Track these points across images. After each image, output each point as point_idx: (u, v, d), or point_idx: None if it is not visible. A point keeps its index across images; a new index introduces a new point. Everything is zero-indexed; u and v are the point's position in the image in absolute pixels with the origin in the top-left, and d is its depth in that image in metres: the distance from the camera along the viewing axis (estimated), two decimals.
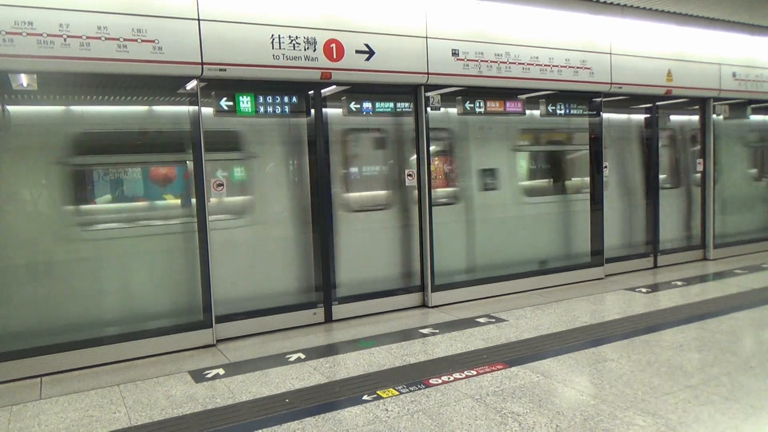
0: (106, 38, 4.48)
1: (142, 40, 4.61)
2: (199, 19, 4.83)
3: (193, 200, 5.05)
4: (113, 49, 4.51)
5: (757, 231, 9.40)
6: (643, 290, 6.71)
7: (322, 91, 5.62)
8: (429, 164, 6.15)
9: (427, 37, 5.90)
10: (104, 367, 4.61)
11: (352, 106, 5.89)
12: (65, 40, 4.35)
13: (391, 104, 6.09)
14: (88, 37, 4.42)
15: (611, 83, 7.22)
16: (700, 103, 8.52)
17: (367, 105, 5.97)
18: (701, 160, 8.58)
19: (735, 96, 8.62)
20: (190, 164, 5.09)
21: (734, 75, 8.49)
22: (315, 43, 5.33)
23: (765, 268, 7.78)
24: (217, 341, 5.14)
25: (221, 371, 4.39)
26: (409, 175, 6.16)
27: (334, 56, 5.44)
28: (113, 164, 5.04)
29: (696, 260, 8.52)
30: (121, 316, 4.94)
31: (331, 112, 5.79)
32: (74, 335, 4.67)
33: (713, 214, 8.58)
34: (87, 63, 4.44)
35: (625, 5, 7.07)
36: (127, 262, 5.00)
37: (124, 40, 4.55)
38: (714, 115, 8.55)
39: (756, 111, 9.18)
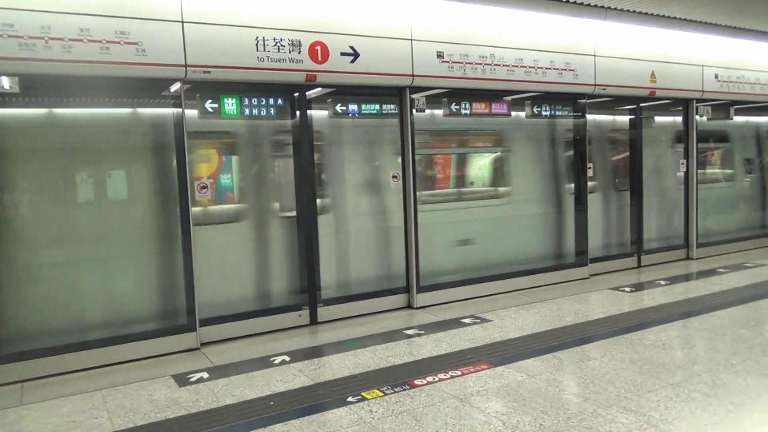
0: (88, 40, 4.46)
1: (125, 42, 4.59)
2: (182, 21, 4.81)
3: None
4: (96, 51, 4.48)
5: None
6: (627, 289, 6.77)
7: (307, 93, 5.63)
8: (414, 166, 6.16)
9: (412, 39, 5.92)
10: (86, 372, 4.57)
11: (338, 108, 5.90)
12: (47, 42, 4.31)
13: (377, 106, 6.10)
14: (70, 39, 4.39)
15: (595, 85, 7.28)
16: (683, 104, 8.61)
17: (352, 107, 5.97)
18: (684, 161, 8.67)
19: (717, 97, 8.72)
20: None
21: (716, 76, 8.59)
22: (300, 45, 5.34)
23: (747, 266, 7.88)
24: (201, 344, 5.11)
25: (205, 375, 4.37)
26: (395, 176, 6.17)
27: (319, 58, 5.44)
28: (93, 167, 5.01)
29: (679, 259, 8.61)
30: (104, 321, 4.90)
31: (317, 114, 5.79)
32: (56, 340, 4.63)
33: (696, 215, 8.66)
34: (69, 65, 4.41)
35: (608, 8, 7.13)
36: (110, 264, 4.96)
37: (107, 42, 4.52)
38: (697, 116, 8.64)
39: (738, 112, 9.29)
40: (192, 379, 4.28)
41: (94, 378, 4.43)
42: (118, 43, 4.57)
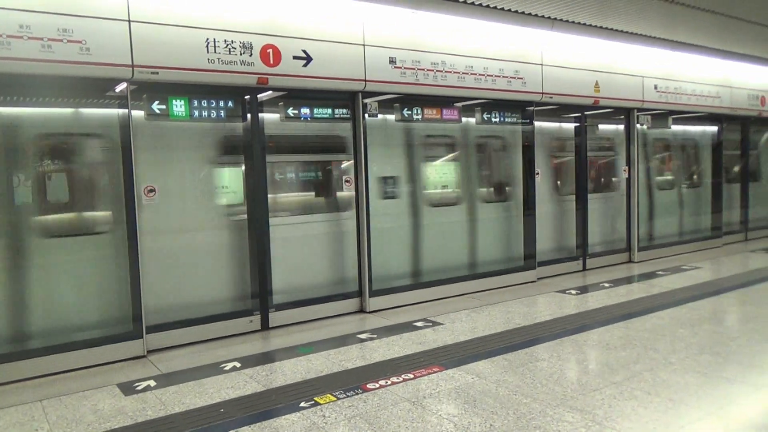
0: (28, 37, 4.29)
1: (68, 41, 4.44)
2: (129, 21, 4.70)
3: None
4: (36, 49, 4.32)
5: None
6: (573, 292, 6.97)
7: (259, 96, 5.57)
8: (367, 170, 6.18)
9: (364, 45, 5.95)
10: (26, 382, 4.38)
11: (290, 111, 5.86)
12: None
13: (329, 110, 6.09)
14: (8, 36, 4.22)
15: (543, 93, 7.49)
16: (625, 113, 8.95)
17: (304, 111, 5.95)
18: (626, 168, 9.00)
19: (656, 107, 9.11)
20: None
21: (656, 87, 8.97)
22: (251, 47, 5.28)
23: (684, 269, 8.24)
24: (149, 352, 4.97)
25: (152, 383, 4.25)
26: (347, 181, 6.17)
27: (271, 61, 5.40)
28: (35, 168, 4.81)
29: (622, 262, 8.92)
30: (45, 329, 4.71)
31: (268, 117, 5.74)
32: None
33: (638, 219, 9.00)
34: (7, 63, 4.23)
35: (554, 19, 7.35)
36: (53, 271, 4.77)
37: (49, 39, 4.36)
38: (638, 125, 9.00)
39: (676, 121, 9.73)
40: (138, 388, 4.16)
41: (34, 388, 4.25)
42: (61, 41, 4.42)
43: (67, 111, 4.89)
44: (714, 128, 10.50)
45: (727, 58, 10.02)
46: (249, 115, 5.54)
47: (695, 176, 10.54)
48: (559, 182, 8.48)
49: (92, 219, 5.05)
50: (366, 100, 6.15)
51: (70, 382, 4.36)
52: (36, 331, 4.68)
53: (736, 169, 11.32)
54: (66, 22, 4.43)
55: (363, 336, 5.31)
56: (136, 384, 4.24)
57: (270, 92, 5.63)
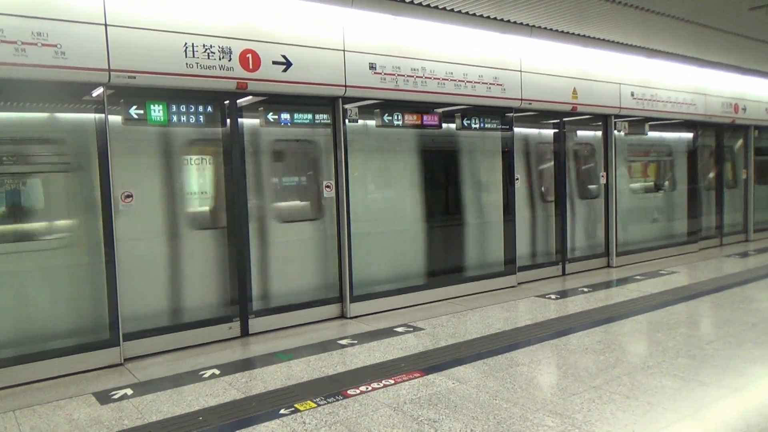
0: (1, 41, 4.21)
1: (43, 44, 4.37)
2: (106, 24, 4.64)
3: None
4: (10, 52, 4.25)
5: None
6: (553, 297, 7.02)
7: (238, 101, 5.54)
8: (347, 176, 6.17)
9: (344, 50, 5.95)
10: None
11: (270, 116, 5.83)
12: None
13: (310, 116, 6.08)
14: None
15: (522, 99, 7.55)
16: (603, 120, 9.06)
17: (285, 116, 5.93)
18: (604, 173, 9.10)
19: (633, 114, 9.23)
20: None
21: (633, 94, 9.10)
22: (230, 52, 5.25)
23: (661, 274, 8.35)
24: (126, 360, 4.90)
25: (129, 391, 4.18)
26: (327, 186, 6.16)
27: (251, 66, 5.38)
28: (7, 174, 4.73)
29: (601, 267, 9.01)
30: (16, 337, 4.61)
31: (248, 122, 5.71)
32: None
33: (615, 224, 9.11)
34: None
35: (533, 26, 7.43)
36: (26, 278, 4.68)
37: (23, 43, 4.29)
38: (615, 131, 9.11)
39: (653, 128, 9.88)
40: (115, 396, 4.09)
41: (6, 398, 4.15)
42: (35, 44, 4.35)
43: (42, 116, 4.82)
44: (689, 135, 10.68)
45: (702, 66, 10.21)
46: (228, 120, 5.50)
47: (671, 182, 10.70)
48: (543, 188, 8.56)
49: (68, 226, 4.96)
50: (346, 106, 6.15)
51: (44, 391, 4.28)
52: (8, 340, 4.58)
53: (711, 175, 11.52)
54: (40, 26, 4.36)
55: (344, 342, 5.29)
56: (113, 393, 4.17)
57: (250, 97, 5.61)
